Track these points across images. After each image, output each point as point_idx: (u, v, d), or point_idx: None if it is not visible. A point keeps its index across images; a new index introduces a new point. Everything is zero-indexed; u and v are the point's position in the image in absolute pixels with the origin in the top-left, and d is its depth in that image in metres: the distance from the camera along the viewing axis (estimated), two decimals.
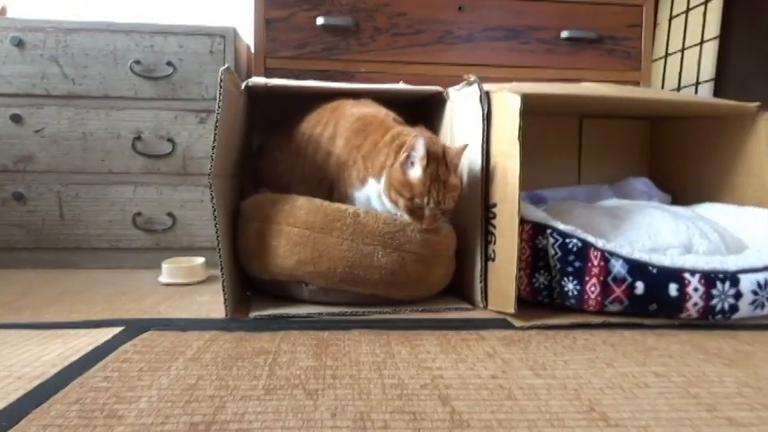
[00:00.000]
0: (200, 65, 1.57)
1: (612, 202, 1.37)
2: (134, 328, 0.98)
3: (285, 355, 0.84)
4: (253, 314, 1.07)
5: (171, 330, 0.97)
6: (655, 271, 1.05)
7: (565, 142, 1.70)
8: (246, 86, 1.26)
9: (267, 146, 1.39)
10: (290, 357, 0.83)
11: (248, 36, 1.66)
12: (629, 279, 1.05)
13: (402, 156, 1.10)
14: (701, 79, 2.75)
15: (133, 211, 1.58)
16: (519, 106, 1.03)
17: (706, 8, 3.21)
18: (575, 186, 1.66)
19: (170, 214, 1.59)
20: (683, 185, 1.58)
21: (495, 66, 1.68)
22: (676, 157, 1.63)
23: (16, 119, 1.53)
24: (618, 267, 1.05)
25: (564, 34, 1.68)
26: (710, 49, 2.91)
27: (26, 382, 0.72)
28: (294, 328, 0.99)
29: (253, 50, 1.63)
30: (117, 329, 0.97)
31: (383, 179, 1.12)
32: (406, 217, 1.11)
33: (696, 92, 2.24)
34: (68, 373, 0.75)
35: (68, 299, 1.21)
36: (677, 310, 1.05)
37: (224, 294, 1.06)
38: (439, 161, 1.10)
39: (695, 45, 2.84)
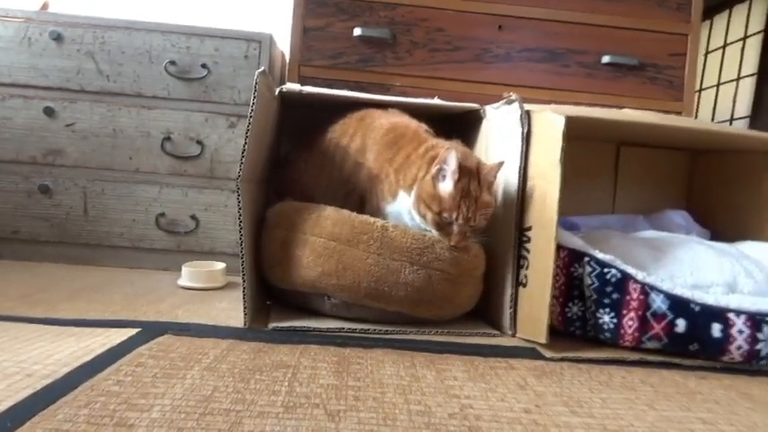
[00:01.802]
0: (235, 69, 1.55)
1: (651, 233, 1.31)
2: (150, 330, 0.95)
3: (305, 371, 0.80)
4: (272, 325, 1.03)
5: (187, 336, 0.94)
6: (698, 309, 0.99)
7: (600, 169, 1.65)
8: (280, 92, 1.24)
9: (291, 156, 1.36)
10: (311, 373, 0.79)
11: (284, 43, 1.65)
12: (670, 315, 0.99)
13: (434, 169, 1.06)
14: (735, 115, 2.68)
15: (157, 211, 1.56)
16: (563, 128, 0.99)
17: (744, 43, 3.15)
18: (609, 215, 1.60)
19: (193, 217, 1.56)
20: (724, 221, 1.52)
21: (532, 87, 1.64)
22: (717, 191, 1.57)
23: (49, 112, 1.53)
24: (658, 302, 1.00)
25: (605, 59, 1.64)
26: (747, 86, 2.84)
27: (35, 380, 0.69)
28: (314, 343, 0.95)
29: (288, 58, 1.62)
30: (133, 331, 0.94)
31: (413, 192, 1.09)
32: (435, 233, 1.07)
33: None
34: (79, 374, 0.72)
35: (86, 296, 1.18)
36: (719, 352, 0.99)
37: (244, 302, 1.03)
38: (472, 176, 1.06)
39: (731, 81, 2.78)
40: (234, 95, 1.56)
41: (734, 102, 2.75)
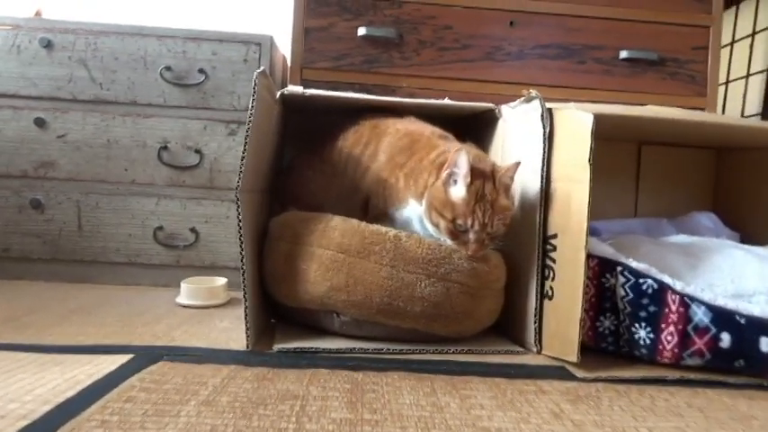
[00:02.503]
0: (234, 73, 1.48)
1: (682, 238, 1.23)
2: (143, 356, 0.87)
3: (315, 402, 0.72)
4: (277, 346, 0.95)
5: (184, 362, 0.86)
6: (743, 321, 0.90)
7: (621, 170, 1.56)
8: (282, 95, 1.16)
9: (296, 164, 1.28)
10: (321, 405, 0.71)
11: (285, 46, 1.57)
12: (714, 329, 0.90)
13: (444, 173, 0.98)
14: (746, 113, 2.59)
15: (154, 224, 1.48)
16: (592, 126, 0.90)
17: (753, 40, 3.06)
18: (631, 219, 1.51)
19: (193, 230, 1.48)
20: (754, 223, 1.43)
21: (547, 86, 1.56)
22: (745, 191, 1.48)
23: (40, 123, 1.45)
24: (700, 315, 0.91)
25: (623, 54, 1.56)
26: (757, 83, 2.76)
27: (9, 423, 0.61)
28: (324, 366, 0.87)
29: (289, 61, 1.54)
30: (125, 357, 0.86)
31: (424, 200, 1.01)
32: (450, 242, 0.99)
33: None
34: (60, 414, 0.64)
35: (77, 318, 1.10)
36: None
37: (246, 323, 0.94)
38: (486, 179, 0.98)
39: (741, 78, 2.70)
40: (233, 101, 1.48)
41: (744, 99, 2.67)
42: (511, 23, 1.55)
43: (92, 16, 1.82)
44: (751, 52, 3.21)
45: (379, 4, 1.52)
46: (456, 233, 0.98)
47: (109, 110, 1.47)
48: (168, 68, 1.46)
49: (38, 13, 1.81)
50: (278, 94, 1.15)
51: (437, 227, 0.99)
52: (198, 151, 1.48)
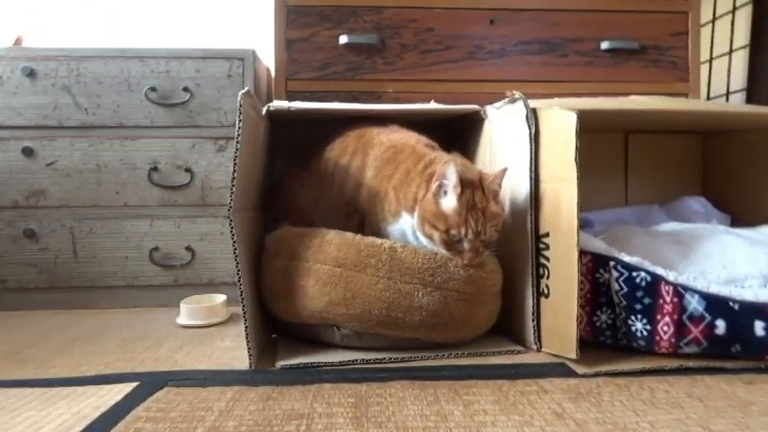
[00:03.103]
0: (219, 89, 1.48)
1: (673, 226, 1.24)
2: (148, 383, 0.87)
3: (321, 420, 0.73)
4: (280, 363, 0.95)
5: (189, 387, 0.86)
6: (737, 307, 0.92)
7: (610, 160, 1.57)
8: (268, 111, 1.16)
9: (285, 179, 1.29)
10: (327, 423, 0.72)
11: (268, 58, 1.58)
12: (708, 317, 0.91)
13: (433, 186, 0.99)
14: (731, 89, 2.61)
15: (150, 245, 1.48)
16: (575, 125, 0.92)
17: (734, 17, 3.07)
18: (622, 208, 1.52)
19: (189, 248, 1.49)
20: (743, 205, 1.44)
21: (530, 81, 1.57)
22: (734, 173, 1.49)
23: (28, 152, 1.45)
24: (694, 304, 0.92)
25: (604, 45, 1.57)
26: (740, 58, 2.78)
27: None
28: (327, 380, 0.88)
29: (273, 73, 1.54)
30: (130, 386, 0.87)
31: (416, 214, 1.01)
32: (445, 252, 0.99)
33: (727, 102, 2.11)
34: None
35: (79, 348, 1.10)
36: (764, 350, 0.92)
37: (247, 342, 0.95)
38: (475, 188, 0.99)
39: (724, 54, 2.73)
40: (220, 117, 1.49)
41: (728, 75, 2.69)
42: (491, 21, 1.56)
43: (73, 40, 1.82)
44: (732, 28, 3.22)
45: (359, 11, 1.52)
46: (451, 243, 0.99)
47: (96, 134, 1.47)
48: (153, 89, 1.47)
49: (18, 41, 1.80)
50: (264, 110, 1.15)
51: (431, 239, 1.00)
52: (188, 170, 1.48)
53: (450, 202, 0.98)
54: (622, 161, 1.58)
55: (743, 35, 3.08)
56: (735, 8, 2.89)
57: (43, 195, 1.46)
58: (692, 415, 0.74)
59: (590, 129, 1.49)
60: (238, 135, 0.95)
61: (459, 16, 1.55)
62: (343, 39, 1.50)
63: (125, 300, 1.49)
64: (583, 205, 0.92)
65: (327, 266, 0.98)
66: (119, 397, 0.82)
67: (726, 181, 1.52)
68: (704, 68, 2.77)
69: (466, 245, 0.97)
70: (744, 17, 3.12)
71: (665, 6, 1.59)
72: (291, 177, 1.26)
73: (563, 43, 1.57)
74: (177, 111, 1.48)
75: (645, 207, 1.51)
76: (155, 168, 1.48)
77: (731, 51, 2.79)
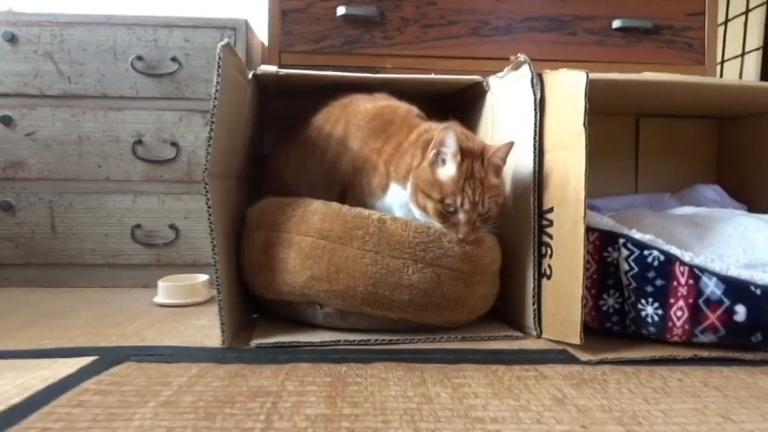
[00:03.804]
0: (209, 61, 1.40)
1: (687, 209, 1.15)
2: (109, 358, 0.80)
3: (289, 398, 0.64)
4: (255, 342, 0.87)
5: (153, 362, 0.79)
6: (758, 292, 0.83)
7: (619, 145, 1.49)
8: (255, 76, 1.09)
9: (271, 153, 1.21)
10: (296, 401, 0.64)
11: (261, 30, 1.50)
12: (727, 302, 0.83)
13: (430, 153, 0.91)
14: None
15: (132, 222, 1.41)
16: (585, 85, 0.83)
17: (747, 18, 2.99)
18: (632, 195, 1.44)
19: (172, 226, 1.41)
20: (761, 193, 1.35)
21: (537, 60, 1.44)
22: (750, 161, 1.40)
23: (6, 121, 1.38)
24: (711, 287, 0.83)
25: (615, 24, 1.48)
26: (753, 61, 2.70)
27: None
28: (304, 360, 0.80)
29: (267, 44, 1.47)
30: (88, 360, 0.79)
31: (409, 183, 0.93)
32: (439, 226, 0.91)
33: None
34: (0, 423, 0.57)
35: (46, 322, 1.03)
36: None
37: (221, 317, 0.87)
38: (475, 158, 0.91)
39: (737, 57, 2.65)
40: (209, 90, 1.38)
41: (740, 78, 2.62)
42: None
43: (59, 7, 1.75)
44: (745, 30, 3.13)
45: None
46: (445, 215, 0.90)
47: (78, 104, 1.40)
48: (139, 58, 1.39)
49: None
50: (250, 74, 1.08)
51: (424, 210, 0.92)
52: (174, 144, 1.40)
53: (447, 171, 0.90)
54: (633, 147, 1.50)
55: (756, 37, 2.99)
56: (748, 9, 2.81)
57: (21, 167, 1.39)
58: (710, 405, 0.65)
59: (599, 111, 1.41)
60: (216, 91, 0.88)
61: None
62: (341, 10, 1.43)
63: (104, 279, 1.41)
64: (590, 191, 0.83)
65: (310, 238, 0.90)
66: (72, 370, 0.74)
67: (742, 169, 1.43)
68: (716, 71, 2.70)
69: (461, 216, 0.89)
70: (758, 18, 3.03)
71: None
72: (277, 151, 1.18)
73: (572, 20, 1.49)
74: (164, 81, 1.40)
75: (656, 195, 1.42)
76: (139, 141, 1.40)
77: (743, 54, 2.71)
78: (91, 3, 1.75)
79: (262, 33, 1.52)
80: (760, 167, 1.36)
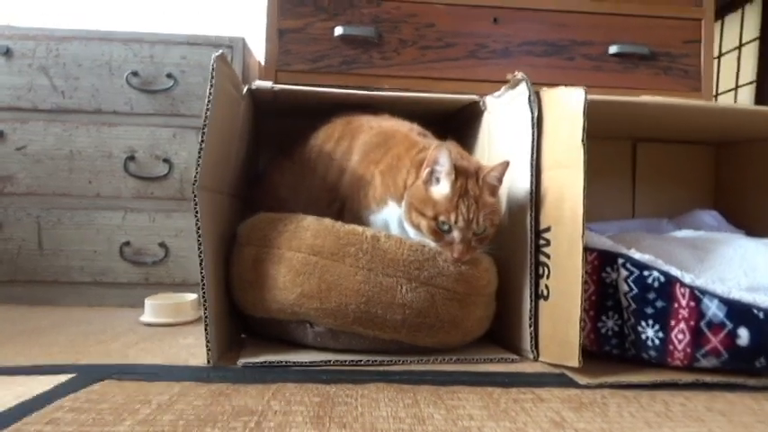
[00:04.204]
0: (204, 78, 1.39)
1: (686, 232, 1.14)
2: (87, 375, 0.76)
3: (274, 418, 0.61)
4: (242, 361, 0.84)
5: (133, 380, 0.75)
6: (761, 315, 0.81)
7: (616, 169, 1.48)
8: (250, 91, 1.08)
9: (266, 170, 1.19)
10: (281, 421, 0.60)
11: (258, 49, 1.50)
12: (729, 325, 0.80)
13: (424, 172, 0.89)
14: None
15: (121, 240, 1.38)
16: (584, 102, 0.82)
17: (740, 52, 3.03)
18: (629, 220, 1.42)
19: (162, 245, 1.38)
20: (759, 220, 1.34)
21: (534, 84, 1.48)
22: (748, 187, 1.39)
23: None
24: (713, 309, 0.81)
25: (612, 49, 1.49)
26: (746, 94, 2.73)
27: None
28: (292, 380, 0.76)
29: (263, 63, 1.47)
30: (65, 377, 0.75)
31: (404, 202, 0.92)
32: (433, 245, 0.89)
33: None
34: None
35: (25, 339, 0.99)
36: None
37: (206, 335, 0.84)
38: (469, 176, 0.89)
39: (730, 90, 2.69)
40: (204, 107, 1.39)
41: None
42: (495, 20, 1.48)
43: (56, 22, 1.75)
44: (738, 64, 3.17)
45: (356, 3, 1.45)
46: (439, 233, 0.88)
47: (71, 119, 1.38)
48: (135, 74, 1.38)
49: None
50: (245, 89, 1.07)
51: (418, 228, 0.90)
52: (167, 161, 1.39)
53: (441, 189, 0.88)
54: (630, 171, 1.49)
55: (750, 71, 3.03)
56: (741, 44, 2.86)
57: (10, 181, 1.37)
58: (715, 429, 0.62)
59: (596, 135, 1.40)
60: (209, 102, 0.86)
61: (462, 13, 1.48)
62: (339, 30, 1.43)
63: (90, 297, 1.37)
64: (586, 214, 0.81)
65: (302, 254, 0.88)
66: (48, 387, 0.71)
67: (740, 195, 1.42)
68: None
69: (456, 235, 0.87)
70: (751, 53, 3.07)
71: (676, 12, 1.52)
72: (272, 168, 1.17)
73: (570, 45, 1.50)
74: (159, 98, 1.39)
75: (653, 220, 1.40)
76: (131, 158, 1.38)
77: (737, 87, 2.74)
78: (88, 18, 1.74)
79: (259, 53, 1.52)
80: (758, 194, 1.35)
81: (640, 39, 1.50)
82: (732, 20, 3.12)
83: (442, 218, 0.87)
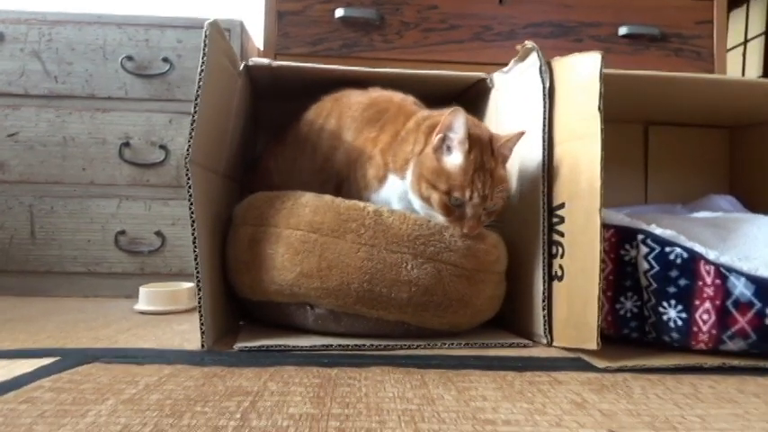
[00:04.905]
0: None
1: (705, 213, 1.09)
2: (73, 359, 0.71)
3: (270, 398, 0.56)
4: (238, 345, 0.79)
5: (123, 363, 0.70)
6: None
7: (628, 154, 1.42)
8: (247, 68, 1.03)
9: (261, 156, 1.15)
10: (278, 401, 0.55)
11: (257, 34, 1.46)
12: (758, 304, 0.75)
13: (435, 138, 0.84)
14: None
15: (116, 228, 1.33)
16: (600, 67, 0.78)
17: (745, 48, 2.98)
18: (641, 206, 1.37)
19: (159, 233, 1.34)
20: None
21: None
22: (765, 171, 1.34)
23: None
24: (740, 287, 0.76)
25: (622, 30, 1.44)
26: None
27: None
28: (291, 363, 0.71)
29: (262, 48, 1.42)
30: (48, 360, 0.70)
31: (409, 172, 0.87)
32: (441, 218, 0.84)
33: None
34: None
35: (11, 327, 0.94)
36: None
37: (201, 318, 0.79)
38: (484, 147, 0.84)
39: None
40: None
41: None
42: (500, 1, 1.44)
43: (48, 5, 1.70)
44: (744, 60, 3.12)
45: None
46: (450, 208, 0.83)
47: (65, 105, 1.34)
48: (130, 58, 1.34)
49: None
50: (242, 65, 1.02)
51: (428, 201, 0.84)
52: (163, 147, 1.34)
53: (455, 159, 0.83)
54: (642, 156, 1.43)
55: (756, 66, 2.99)
56: (746, 40, 2.81)
57: (2, 169, 1.33)
58: (751, 410, 0.57)
59: (607, 118, 1.36)
60: (201, 71, 0.82)
61: None
62: (339, 12, 1.38)
63: (84, 288, 1.33)
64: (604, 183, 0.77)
65: (300, 232, 0.83)
66: (29, 369, 0.66)
67: (756, 179, 1.36)
68: None
69: (468, 210, 0.82)
70: (756, 48, 3.02)
71: None
72: (266, 154, 1.12)
73: (578, 27, 1.45)
74: (155, 82, 1.35)
75: (667, 205, 1.35)
76: (126, 144, 1.34)
77: None
78: (82, 1, 1.70)
79: (257, 37, 1.48)
80: None
81: (650, 20, 1.46)
82: (737, 15, 3.07)
83: (456, 193, 0.82)
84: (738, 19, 3.09)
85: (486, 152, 0.84)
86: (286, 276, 0.82)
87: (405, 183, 0.87)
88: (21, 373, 0.64)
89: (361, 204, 0.84)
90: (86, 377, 0.62)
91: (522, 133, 0.88)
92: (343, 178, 0.96)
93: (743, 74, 2.88)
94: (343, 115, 0.98)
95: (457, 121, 0.82)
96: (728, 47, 2.77)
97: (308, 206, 0.84)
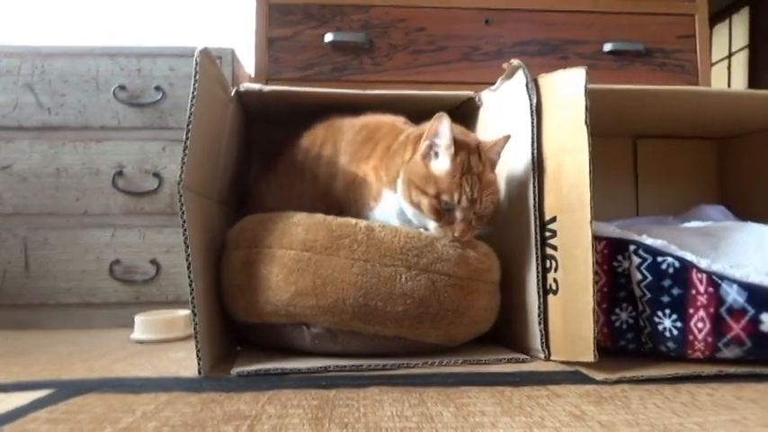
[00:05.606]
0: None
1: (696, 223, 1.09)
2: (68, 390, 0.71)
3: (269, 421, 0.56)
4: (236, 370, 0.79)
5: (119, 393, 0.70)
6: None
7: (618, 168, 1.44)
8: (238, 93, 1.05)
9: (254, 182, 1.16)
10: (276, 423, 0.55)
11: (248, 59, 1.48)
12: (752, 311, 0.76)
13: (423, 145, 0.86)
14: None
15: (110, 258, 1.33)
16: (584, 82, 0.79)
17: (730, 62, 3.03)
18: (633, 219, 1.38)
19: (153, 261, 1.34)
20: (766, 213, 1.30)
21: None
22: (754, 180, 1.36)
23: None
24: (733, 294, 0.76)
25: (607, 47, 1.47)
26: None
27: None
28: (289, 386, 0.71)
29: (253, 74, 1.44)
30: (44, 392, 0.70)
31: (400, 180, 0.88)
32: (433, 225, 0.85)
33: None
34: None
35: (6, 360, 0.94)
36: None
37: (196, 345, 0.79)
38: (471, 151, 0.86)
39: None
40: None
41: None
42: (486, 21, 1.47)
43: (40, 40, 1.73)
44: (729, 73, 3.17)
45: (345, 10, 1.43)
46: (441, 212, 0.85)
47: (58, 136, 1.35)
48: (122, 88, 1.35)
49: None
50: (233, 91, 1.04)
51: (418, 206, 0.85)
52: (157, 174, 1.35)
53: (442, 164, 0.84)
54: (632, 169, 1.45)
55: (741, 78, 3.04)
56: (731, 53, 2.86)
57: None
58: (748, 416, 0.57)
59: (595, 132, 1.37)
60: (193, 97, 0.83)
61: (452, 15, 1.46)
62: (329, 37, 1.41)
63: (79, 319, 1.32)
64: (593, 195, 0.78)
65: (294, 251, 0.83)
66: (25, 402, 0.65)
67: (745, 189, 1.38)
68: None
69: (458, 214, 0.84)
70: (741, 61, 3.08)
71: (669, 8, 1.50)
72: (258, 180, 1.13)
73: (563, 45, 1.48)
74: (147, 111, 1.36)
75: (659, 217, 1.36)
76: (120, 173, 1.34)
77: None
78: (74, 33, 1.72)
79: (249, 65, 1.50)
80: (764, 187, 1.32)
81: (634, 36, 1.49)
82: (720, 30, 3.14)
83: (444, 197, 0.83)
84: (722, 34, 3.15)
85: (473, 156, 0.86)
86: (281, 296, 0.82)
87: (398, 194, 0.88)
88: (16, 405, 0.63)
89: (353, 221, 0.85)
90: (82, 407, 0.62)
91: (509, 137, 0.89)
92: (343, 202, 0.97)
93: (728, 87, 2.93)
94: (337, 141, 1.00)
95: (442, 126, 0.84)
96: (713, 61, 2.82)
97: (300, 225, 0.85)
